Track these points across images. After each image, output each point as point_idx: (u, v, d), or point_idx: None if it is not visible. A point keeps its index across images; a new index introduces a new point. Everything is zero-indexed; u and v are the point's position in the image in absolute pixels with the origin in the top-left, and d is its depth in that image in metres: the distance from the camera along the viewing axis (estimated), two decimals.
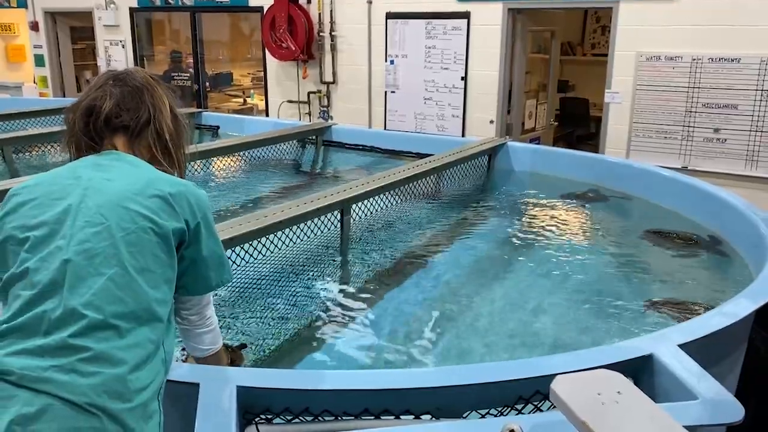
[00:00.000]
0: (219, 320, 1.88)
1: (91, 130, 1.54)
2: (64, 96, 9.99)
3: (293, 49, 7.38)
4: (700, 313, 2.73)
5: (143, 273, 1.36)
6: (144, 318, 1.34)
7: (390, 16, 6.97)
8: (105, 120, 1.54)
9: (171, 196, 1.44)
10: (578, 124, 8.61)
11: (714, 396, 1.62)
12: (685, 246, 3.52)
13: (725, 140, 5.38)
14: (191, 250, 1.49)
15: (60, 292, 1.29)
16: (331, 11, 7.30)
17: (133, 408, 1.27)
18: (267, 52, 7.76)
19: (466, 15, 6.49)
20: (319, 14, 7.35)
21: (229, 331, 2.59)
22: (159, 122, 1.58)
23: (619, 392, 1.32)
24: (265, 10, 7.58)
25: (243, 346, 2.40)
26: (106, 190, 1.40)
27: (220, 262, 1.58)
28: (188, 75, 9.16)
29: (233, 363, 2.09)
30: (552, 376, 1.40)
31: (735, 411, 1.57)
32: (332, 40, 7.37)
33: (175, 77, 9.17)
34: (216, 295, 2.31)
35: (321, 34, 7.40)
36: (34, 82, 10.54)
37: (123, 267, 1.33)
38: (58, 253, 1.33)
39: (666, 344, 1.85)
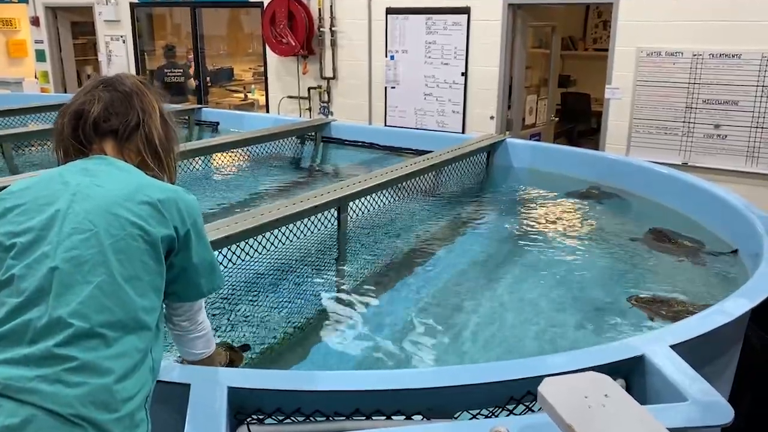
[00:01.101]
0: (214, 321, 1.88)
1: (80, 135, 1.53)
2: (65, 91, 9.99)
3: (293, 44, 7.37)
4: (684, 310, 2.74)
5: (131, 281, 1.35)
6: (131, 326, 1.33)
7: (390, 11, 6.95)
8: (93, 124, 1.53)
9: (160, 202, 1.42)
10: (579, 120, 8.58)
11: (704, 397, 1.62)
12: (684, 247, 3.51)
13: (726, 136, 5.36)
14: (181, 256, 1.48)
15: (46, 300, 1.28)
16: (331, 6, 7.28)
17: (119, 418, 1.26)
18: (267, 47, 7.76)
19: (466, 10, 6.47)
20: (319, 9, 7.33)
21: (224, 331, 2.60)
22: (148, 126, 1.57)
23: (606, 395, 1.32)
24: (266, 5, 7.57)
25: (246, 347, 2.40)
26: (94, 196, 1.39)
27: (210, 269, 1.57)
28: (181, 71, 9.13)
29: (232, 363, 2.10)
30: (543, 377, 1.40)
31: (725, 412, 1.57)
32: (332, 36, 7.36)
33: (167, 73, 9.16)
34: (209, 298, 2.31)
35: (321, 29, 7.38)
36: (36, 78, 10.54)
37: (111, 275, 1.32)
38: (44, 260, 1.31)
39: (658, 345, 1.85)
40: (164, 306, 1.54)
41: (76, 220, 1.35)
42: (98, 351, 1.27)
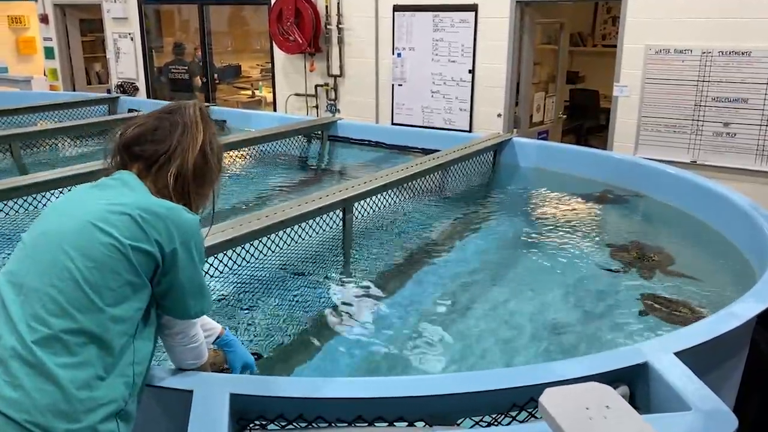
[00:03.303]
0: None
1: (115, 152, 1.60)
2: (74, 89, 10.03)
3: (300, 41, 7.36)
4: (687, 314, 2.73)
5: (99, 289, 1.35)
6: (97, 335, 1.33)
7: (397, 8, 6.92)
8: (124, 145, 1.58)
9: (141, 217, 1.42)
10: (587, 116, 8.53)
11: (707, 406, 1.60)
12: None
13: (735, 134, 5.31)
14: (169, 274, 1.48)
15: (15, 302, 1.33)
16: (338, 3, 7.26)
17: (78, 429, 1.26)
18: (274, 44, 7.75)
19: (473, 7, 6.43)
20: (326, 7, 7.31)
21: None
22: (175, 161, 1.57)
23: (607, 407, 1.32)
24: (272, 2, 7.56)
25: (258, 356, 2.40)
26: (85, 208, 1.44)
27: (199, 291, 1.56)
28: (186, 68, 9.16)
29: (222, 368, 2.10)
30: (546, 384, 1.40)
31: (728, 422, 1.56)
32: (339, 33, 7.34)
33: (172, 69, 9.17)
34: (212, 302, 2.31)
35: (328, 26, 7.37)
36: (44, 75, 10.59)
37: (75, 281, 1.34)
38: (25, 262, 1.38)
39: (662, 352, 1.84)
40: (148, 318, 1.53)
41: (62, 230, 1.40)
42: (59, 357, 1.28)
